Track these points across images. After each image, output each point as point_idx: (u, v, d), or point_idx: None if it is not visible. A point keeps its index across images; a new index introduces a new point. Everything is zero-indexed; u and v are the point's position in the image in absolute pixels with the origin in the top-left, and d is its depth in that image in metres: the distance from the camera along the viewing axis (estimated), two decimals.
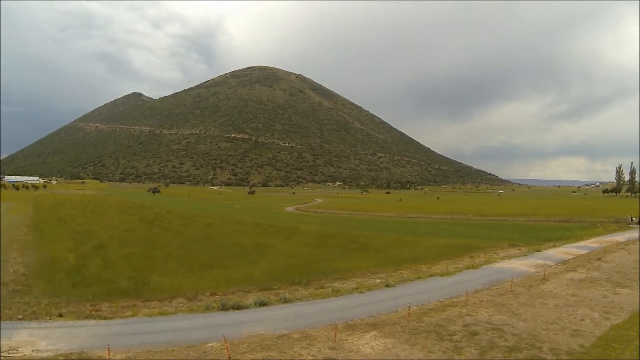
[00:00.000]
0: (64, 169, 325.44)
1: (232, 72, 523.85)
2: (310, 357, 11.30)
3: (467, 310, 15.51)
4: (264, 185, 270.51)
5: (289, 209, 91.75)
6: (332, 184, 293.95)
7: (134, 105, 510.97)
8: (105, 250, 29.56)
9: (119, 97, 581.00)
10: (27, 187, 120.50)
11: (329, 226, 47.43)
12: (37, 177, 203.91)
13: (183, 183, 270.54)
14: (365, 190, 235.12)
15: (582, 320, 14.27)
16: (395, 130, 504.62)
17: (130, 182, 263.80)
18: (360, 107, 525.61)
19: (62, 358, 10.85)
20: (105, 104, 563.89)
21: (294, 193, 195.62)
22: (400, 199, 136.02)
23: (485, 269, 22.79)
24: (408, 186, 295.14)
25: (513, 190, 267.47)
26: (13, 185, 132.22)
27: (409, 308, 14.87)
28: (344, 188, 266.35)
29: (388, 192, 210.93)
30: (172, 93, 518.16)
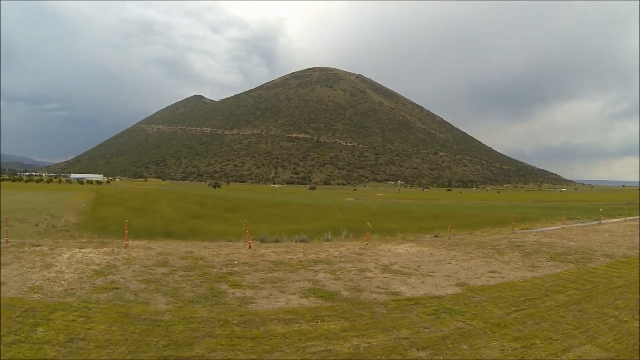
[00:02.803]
0: (128, 168, 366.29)
1: (293, 73, 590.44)
2: (337, 253, 12.15)
3: (515, 236, 17.74)
4: (325, 183, 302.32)
5: (349, 199, 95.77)
6: (393, 182, 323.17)
7: (195, 107, 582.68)
8: (160, 213, 33.15)
9: (180, 99, 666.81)
10: (91, 183, 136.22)
11: (386, 207, 54.67)
12: (101, 175, 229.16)
13: (245, 181, 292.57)
14: (427, 188, 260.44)
15: None
16: (457, 129, 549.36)
17: (192, 181, 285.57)
18: (421, 107, 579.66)
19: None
20: (167, 107, 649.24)
21: (355, 189, 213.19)
22: (461, 192, 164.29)
23: (540, 229, 24.22)
24: (469, 185, 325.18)
25: (576, 189, 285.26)
26: (78, 181, 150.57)
27: (449, 225, 15.49)
28: (405, 186, 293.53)
29: (449, 190, 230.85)
30: (232, 95, 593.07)
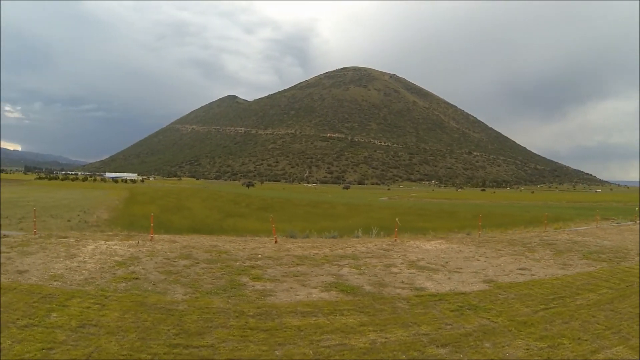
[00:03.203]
0: (162, 167, 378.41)
1: (326, 73, 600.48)
2: (364, 249, 12.09)
3: (547, 234, 17.44)
4: (359, 183, 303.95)
5: (383, 198, 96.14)
6: (427, 182, 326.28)
7: (229, 107, 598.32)
8: (192, 211, 33.81)
9: (214, 100, 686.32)
10: (126, 182, 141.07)
11: (418, 206, 56.06)
12: (136, 174, 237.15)
13: (278, 181, 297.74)
14: (461, 187, 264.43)
15: None
16: (491, 129, 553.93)
17: (225, 180, 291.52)
18: (455, 106, 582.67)
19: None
20: (201, 107, 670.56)
21: (389, 189, 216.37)
22: (494, 192, 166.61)
23: (573, 229, 23.87)
24: (503, 185, 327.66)
25: (611, 190, 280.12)
26: (113, 179, 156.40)
27: (479, 223, 14.95)
28: (439, 186, 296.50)
29: (483, 190, 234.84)
30: (266, 95, 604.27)
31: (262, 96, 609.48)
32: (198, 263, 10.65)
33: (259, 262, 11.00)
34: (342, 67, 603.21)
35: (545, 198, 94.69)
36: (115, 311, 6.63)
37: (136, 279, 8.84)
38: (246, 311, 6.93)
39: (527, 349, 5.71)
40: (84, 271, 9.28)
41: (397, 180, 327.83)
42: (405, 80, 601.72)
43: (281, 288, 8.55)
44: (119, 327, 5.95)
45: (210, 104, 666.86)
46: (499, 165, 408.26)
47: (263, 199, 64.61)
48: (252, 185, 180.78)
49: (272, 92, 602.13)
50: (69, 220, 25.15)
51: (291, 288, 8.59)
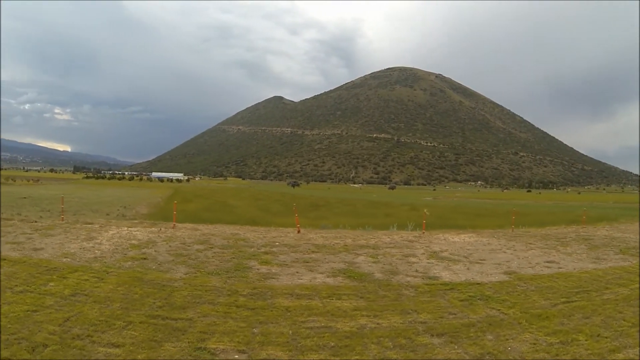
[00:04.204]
0: (208, 167, 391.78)
1: (372, 73, 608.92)
2: (388, 240, 11.94)
3: (585, 230, 17.36)
4: (405, 183, 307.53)
5: (427, 198, 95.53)
6: (473, 183, 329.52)
7: (275, 108, 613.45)
8: (234, 209, 34.69)
9: (260, 101, 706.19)
10: (171, 181, 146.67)
11: (461, 204, 55.69)
12: (182, 174, 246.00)
13: (324, 181, 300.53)
14: (506, 188, 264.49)
15: None
16: (537, 128, 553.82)
17: (271, 180, 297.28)
18: (501, 106, 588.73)
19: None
20: (247, 108, 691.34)
21: (434, 190, 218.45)
22: (540, 193, 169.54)
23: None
24: (550, 186, 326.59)
25: None
26: (159, 179, 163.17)
27: (513, 217, 14.40)
28: (485, 187, 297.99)
29: (529, 191, 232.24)
30: (312, 96, 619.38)
31: (307, 97, 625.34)
32: (212, 248, 10.88)
33: (274, 249, 11.06)
34: (387, 67, 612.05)
35: (592, 199, 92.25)
36: (110, 284, 6.90)
37: (144, 259, 9.16)
38: (240, 290, 6.97)
39: (534, 344, 5.26)
40: (96, 251, 9.75)
41: (443, 180, 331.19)
42: (451, 80, 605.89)
43: (286, 272, 8.54)
44: (107, 298, 6.18)
45: (256, 104, 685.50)
46: (545, 166, 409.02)
47: (305, 197, 65.12)
48: (298, 185, 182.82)
49: (318, 93, 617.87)
50: (107, 214, 26.42)
51: (297, 272, 8.57)
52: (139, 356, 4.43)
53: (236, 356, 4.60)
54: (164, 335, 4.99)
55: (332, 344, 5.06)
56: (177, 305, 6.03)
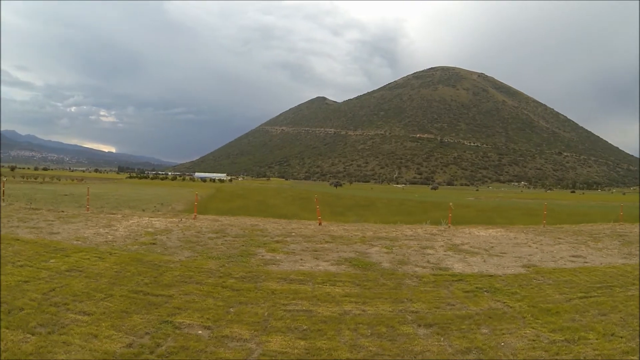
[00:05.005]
0: (251, 168, 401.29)
1: (414, 73, 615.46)
2: (410, 232, 12.14)
3: (622, 227, 17.30)
4: (448, 184, 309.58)
5: (469, 198, 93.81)
6: (516, 183, 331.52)
7: (318, 109, 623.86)
8: (274, 208, 35.34)
9: (303, 102, 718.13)
10: (214, 181, 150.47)
11: (502, 204, 55.93)
12: (224, 174, 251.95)
13: (368, 181, 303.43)
14: (550, 189, 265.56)
15: None
16: (581, 128, 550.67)
17: (314, 180, 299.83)
18: (545, 105, 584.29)
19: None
20: (290, 109, 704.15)
21: (477, 190, 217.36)
22: (584, 193, 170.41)
23: None
24: (594, 187, 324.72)
25: None
26: (201, 179, 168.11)
27: (544, 214, 17.18)
28: (528, 188, 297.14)
29: (573, 191, 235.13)
30: (355, 96, 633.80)
31: (351, 97, 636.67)
32: (225, 237, 11.09)
33: (287, 239, 11.13)
34: (430, 67, 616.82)
35: (636, 199, 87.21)
36: (107, 262, 7.22)
37: (153, 244, 9.48)
38: (233, 274, 7.07)
39: (534, 340, 4.89)
40: (109, 236, 10.20)
41: (486, 181, 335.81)
42: (494, 79, 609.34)
43: (290, 260, 8.58)
44: (99, 274, 6.47)
45: (299, 105, 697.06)
46: (590, 166, 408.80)
47: (349, 197, 65.06)
48: (340, 185, 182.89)
49: (361, 93, 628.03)
50: (143, 210, 27.46)
51: (301, 260, 8.59)
52: (103, 324, 4.60)
53: (200, 331, 4.67)
54: (137, 308, 5.16)
55: (305, 327, 5.00)
56: (163, 284, 6.21)
